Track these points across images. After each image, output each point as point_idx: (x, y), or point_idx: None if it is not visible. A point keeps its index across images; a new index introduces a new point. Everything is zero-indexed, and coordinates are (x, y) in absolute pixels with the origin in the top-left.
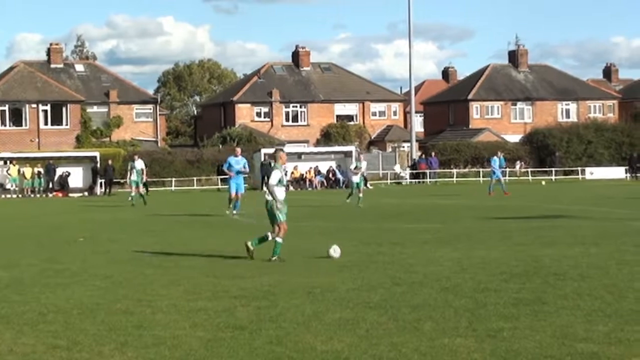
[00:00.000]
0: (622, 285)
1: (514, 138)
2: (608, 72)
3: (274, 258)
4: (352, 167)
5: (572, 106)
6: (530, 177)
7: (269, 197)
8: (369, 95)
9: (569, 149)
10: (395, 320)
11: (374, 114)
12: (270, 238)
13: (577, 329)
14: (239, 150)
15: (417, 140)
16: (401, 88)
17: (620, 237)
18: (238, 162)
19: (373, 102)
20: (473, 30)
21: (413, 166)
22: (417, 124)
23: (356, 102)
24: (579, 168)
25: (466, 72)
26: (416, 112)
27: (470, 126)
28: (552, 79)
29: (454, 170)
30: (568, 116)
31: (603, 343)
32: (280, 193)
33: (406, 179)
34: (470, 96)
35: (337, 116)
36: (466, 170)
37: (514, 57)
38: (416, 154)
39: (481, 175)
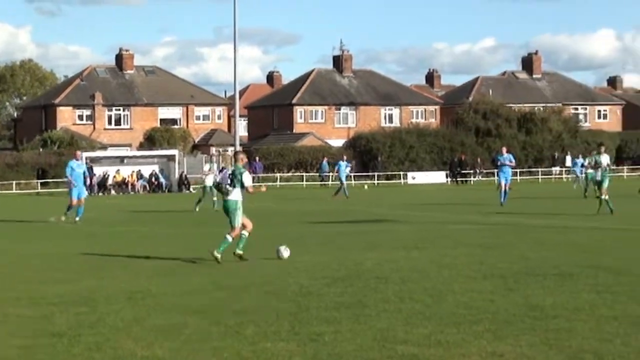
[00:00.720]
0: (441, 288)
1: (337, 142)
2: (431, 78)
3: (239, 252)
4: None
5: (395, 111)
6: (353, 182)
7: (232, 198)
8: (193, 98)
9: (392, 154)
10: (218, 324)
11: (198, 117)
12: (230, 240)
13: (397, 332)
14: (79, 153)
15: (241, 145)
16: (225, 92)
17: (440, 240)
18: (79, 166)
19: (197, 105)
20: (299, 35)
21: None
22: (241, 128)
23: (180, 106)
24: (402, 172)
25: (291, 77)
26: (240, 116)
27: (294, 130)
28: (375, 84)
29: (278, 175)
30: (391, 121)
31: (423, 345)
32: (237, 195)
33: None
34: (294, 100)
35: (161, 120)
36: (290, 174)
37: (338, 62)
38: None
39: (304, 180)
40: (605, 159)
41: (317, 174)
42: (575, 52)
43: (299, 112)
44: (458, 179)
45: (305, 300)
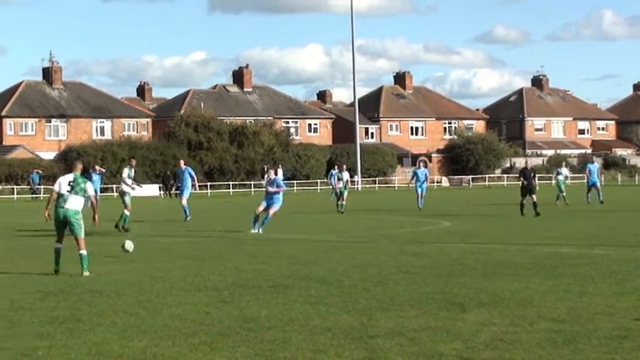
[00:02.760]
0: (156, 301)
1: (49, 155)
2: (142, 91)
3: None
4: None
5: (107, 124)
6: None
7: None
8: None
9: (103, 167)
10: None
11: None
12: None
13: (112, 346)
14: None
15: None
16: None
17: (153, 253)
18: None
19: None
20: (5, 46)
21: None
22: None
23: None
24: (114, 185)
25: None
26: None
27: (4, 143)
28: (87, 96)
29: None
30: (103, 134)
31: (139, 359)
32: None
33: None
34: (3, 113)
35: None
36: (0, 187)
37: (48, 73)
38: None
39: (16, 193)
40: (346, 175)
41: (28, 187)
42: (285, 66)
43: (8, 124)
44: (171, 192)
45: (17, 315)
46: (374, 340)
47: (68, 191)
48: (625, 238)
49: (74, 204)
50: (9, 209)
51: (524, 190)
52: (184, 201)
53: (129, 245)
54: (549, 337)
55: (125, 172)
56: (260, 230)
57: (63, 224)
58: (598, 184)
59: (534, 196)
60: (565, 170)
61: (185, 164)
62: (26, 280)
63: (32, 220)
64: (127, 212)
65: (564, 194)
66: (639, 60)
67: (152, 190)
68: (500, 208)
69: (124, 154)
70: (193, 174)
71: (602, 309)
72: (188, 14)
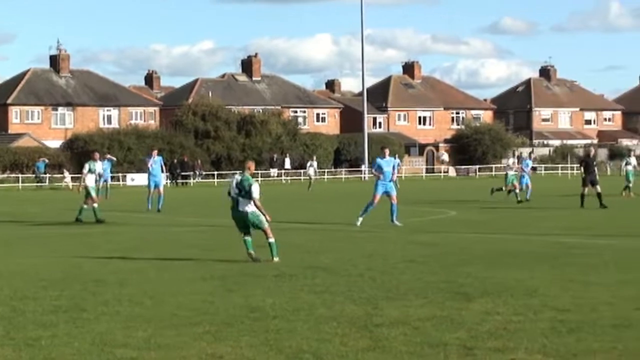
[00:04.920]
0: (161, 291)
1: (55, 144)
2: (150, 79)
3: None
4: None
5: (114, 112)
6: (70, 183)
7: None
8: None
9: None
10: None
11: None
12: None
13: (116, 335)
14: None
15: None
16: None
17: (160, 243)
18: None
19: None
20: (13, 34)
21: None
22: None
23: None
24: (120, 174)
25: (6, 76)
26: None
27: (9, 131)
28: (94, 84)
29: None
30: (110, 122)
31: (142, 348)
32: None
33: None
34: (9, 100)
35: None
36: (5, 175)
37: (55, 61)
38: None
39: (20, 181)
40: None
41: (34, 176)
42: (293, 55)
43: (14, 112)
44: (178, 181)
45: (21, 304)
46: (378, 329)
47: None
48: (627, 228)
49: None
50: (13, 198)
51: (585, 181)
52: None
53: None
54: (552, 326)
55: (86, 167)
56: None
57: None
58: None
59: (597, 187)
60: (634, 160)
61: (157, 154)
62: (30, 268)
63: (37, 209)
64: (95, 205)
65: (631, 184)
66: None
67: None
68: (506, 198)
69: (130, 143)
70: (161, 163)
71: (605, 299)
72: (196, 2)
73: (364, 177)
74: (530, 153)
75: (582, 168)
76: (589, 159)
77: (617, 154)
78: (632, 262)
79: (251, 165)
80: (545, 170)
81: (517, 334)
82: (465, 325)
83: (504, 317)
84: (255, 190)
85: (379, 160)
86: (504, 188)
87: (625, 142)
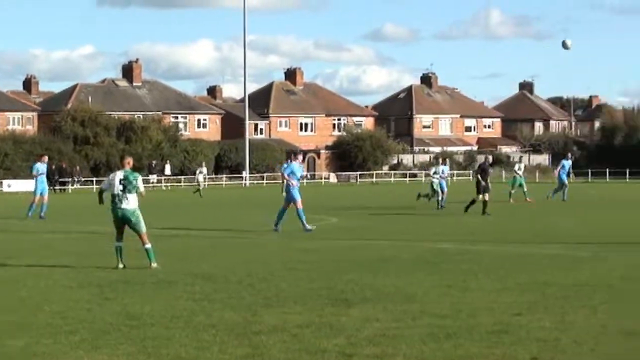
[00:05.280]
0: (38, 299)
1: None
2: (28, 84)
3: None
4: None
5: None
6: None
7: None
8: None
9: None
10: None
11: None
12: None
13: None
14: None
15: None
16: None
17: (36, 250)
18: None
19: None
20: None
21: None
22: None
23: None
24: None
25: None
26: None
27: None
28: None
29: None
30: None
31: (18, 357)
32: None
33: None
34: None
35: None
36: None
37: None
38: None
39: None
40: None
41: None
42: (175, 61)
43: None
44: (56, 188)
45: None
46: (257, 337)
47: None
48: (507, 234)
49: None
50: None
51: (480, 188)
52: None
53: None
54: (431, 332)
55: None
56: None
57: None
58: (566, 182)
59: (487, 195)
60: (521, 166)
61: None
62: None
63: None
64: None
65: (513, 191)
66: (525, 59)
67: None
68: (387, 204)
69: (7, 148)
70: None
71: (483, 304)
72: (76, 6)
73: (245, 184)
74: (445, 159)
75: (478, 176)
76: (486, 167)
77: (497, 162)
78: (511, 269)
79: (130, 160)
80: (425, 177)
81: (396, 340)
82: (344, 332)
83: (383, 323)
84: (142, 184)
85: (293, 165)
86: (429, 195)
87: (505, 149)
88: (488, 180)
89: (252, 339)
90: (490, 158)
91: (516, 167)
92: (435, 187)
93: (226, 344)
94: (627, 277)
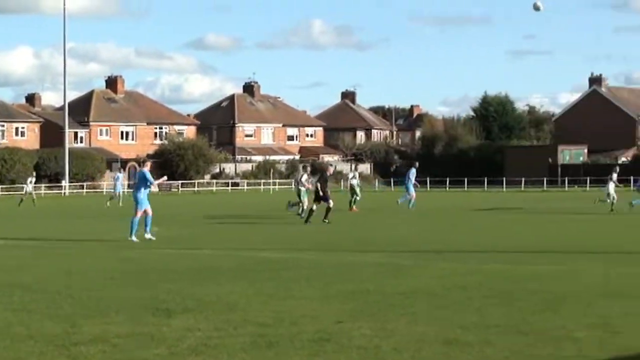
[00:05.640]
0: None
1: None
2: None
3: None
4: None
5: None
6: None
7: None
8: None
9: None
10: None
11: None
12: None
13: None
14: None
15: None
16: None
17: None
18: None
19: None
20: None
21: None
22: None
23: None
24: None
25: None
26: None
27: None
28: None
29: None
30: None
31: None
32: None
33: None
34: None
35: None
36: None
37: None
38: None
39: None
40: None
41: None
42: None
43: None
44: None
45: None
46: (77, 348)
47: None
48: (331, 243)
49: None
50: None
51: (318, 197)
52: None
53: None
54: (252, 340)
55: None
56: None
57: None
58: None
59: (330, 202)
60: (357, 174)
61: None
62: None
63: None
64: None
65: (353, 198)
66: (347, 69)
67: None
68: (209, 213)
69: None
70: None
71: (306, 312)
72: None
73: (65, 193)
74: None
75: (318, 184)
76: (326, 175)
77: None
78: (334, 277)
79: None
80: (247, 185)
81: (218, 349)
82: (165, 342)
83: (204, 332)
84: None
85: (144, 171)
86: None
87: (327, 157)
88: (327, 190)
89: (71, 349)
90: (332, 169)
91: (350, 175)
92: (302, 196)
93: (45, 355)
94: (448, 285)
